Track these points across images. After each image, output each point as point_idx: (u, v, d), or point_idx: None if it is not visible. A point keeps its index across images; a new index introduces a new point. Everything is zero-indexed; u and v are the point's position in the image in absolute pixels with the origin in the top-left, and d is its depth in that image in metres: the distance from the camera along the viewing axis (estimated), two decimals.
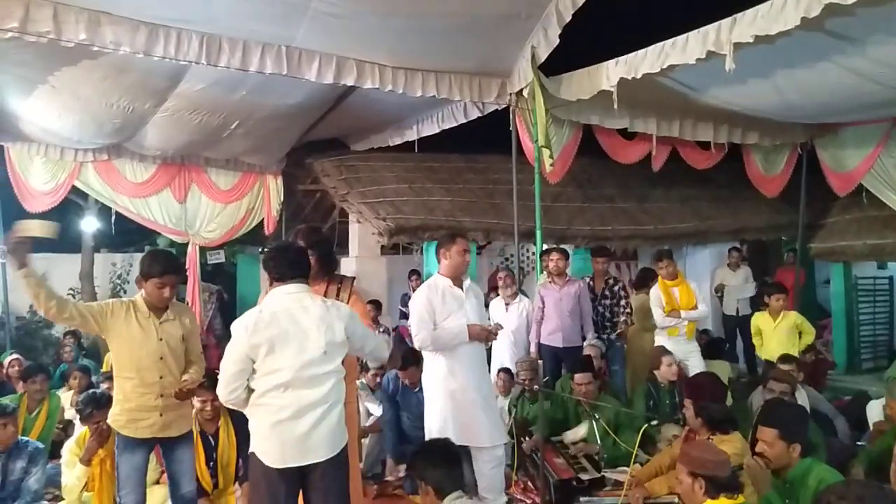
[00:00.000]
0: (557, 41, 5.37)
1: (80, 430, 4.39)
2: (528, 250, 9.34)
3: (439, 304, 4.02)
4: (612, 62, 5.28)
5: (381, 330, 7.52)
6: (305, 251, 3.18)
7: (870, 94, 5.49)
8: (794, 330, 6.20)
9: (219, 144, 7.92)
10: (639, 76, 5.01)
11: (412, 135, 8.10)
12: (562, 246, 7.00)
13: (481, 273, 9.88)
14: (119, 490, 3.50)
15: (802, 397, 4.93)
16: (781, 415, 3.12)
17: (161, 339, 3.49)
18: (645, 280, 6.86)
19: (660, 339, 6.19)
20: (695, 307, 6.12)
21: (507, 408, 5.43)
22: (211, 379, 4.05)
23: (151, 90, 6.05)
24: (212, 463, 4.20)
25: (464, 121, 7.17)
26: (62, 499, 4.31)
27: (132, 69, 5.50)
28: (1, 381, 6.19)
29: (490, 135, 7.60)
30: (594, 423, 4.83)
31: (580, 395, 4.90)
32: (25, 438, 4.36)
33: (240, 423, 4.25)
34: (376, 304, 7.96)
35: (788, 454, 2.96)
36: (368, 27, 5.09)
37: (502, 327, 4.53)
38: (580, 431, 4.95)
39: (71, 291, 10.23)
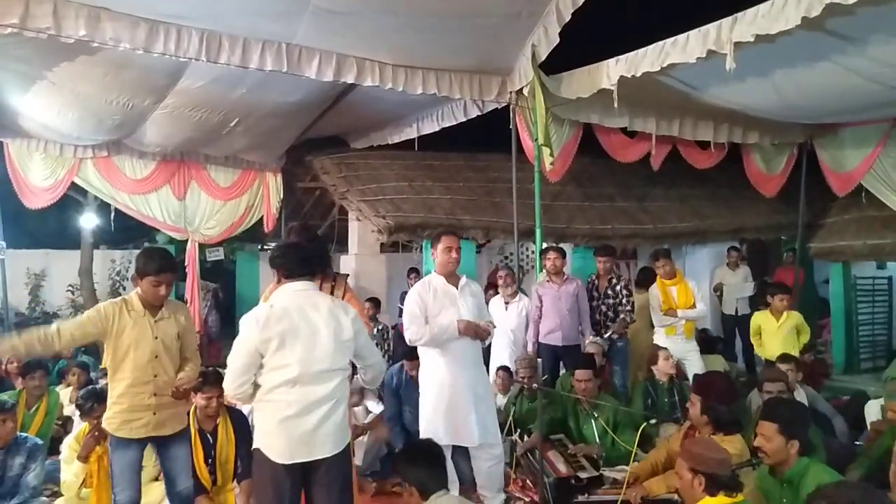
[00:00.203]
0: (558, 40, 5.35)
1: (80, 426, 4.40)
2: (527, 249, 9.34)
3: (431, 300, 4.08)
4: (612, 61, 5.27)
5: (380, 328, 7.53)
6: (314, 249, 3.20)
7: (870, 94, 5.48)
8: (796, 330, 6.20)
9: (218, 141, 7.92)
10: (639, 75, 5.00)
11: (412, 133, 8.09)
12: (560, 245, 7.00)
13: (481, 271, 9.89)
14: (113, 487, 3.51)
15: (801, 397, 4.94)
16: (782, 411, 3.13)
17: (156, 338, 3.48)
18: (647, 279, 6.85)
19: (658, 338, 6.21)
20: (693, 306, 6.13)
21: (505, 406, 5.44)
22: (214, 375, 4.06)
23: (151, 87, 6.05)
24: (210, 460, 4.20)
25: (464, 119, 7.15)
26: (61, 495, 4.31)
27: (132, 66, 5.50)
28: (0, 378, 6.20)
29: (490, 133, 7.59)
30: (593, 421, 4.83)
31: (580, 391, 4.89)
32: (24, 434, 4.38)
33: (238, 421, 4.28)
34: (375, 302, 7.97)
35: (786, 450, 2.97)
36: (369, 25, 5.08)
37: (496, 326, 4.53)
38: None
39: (70, 288, 10.24)
